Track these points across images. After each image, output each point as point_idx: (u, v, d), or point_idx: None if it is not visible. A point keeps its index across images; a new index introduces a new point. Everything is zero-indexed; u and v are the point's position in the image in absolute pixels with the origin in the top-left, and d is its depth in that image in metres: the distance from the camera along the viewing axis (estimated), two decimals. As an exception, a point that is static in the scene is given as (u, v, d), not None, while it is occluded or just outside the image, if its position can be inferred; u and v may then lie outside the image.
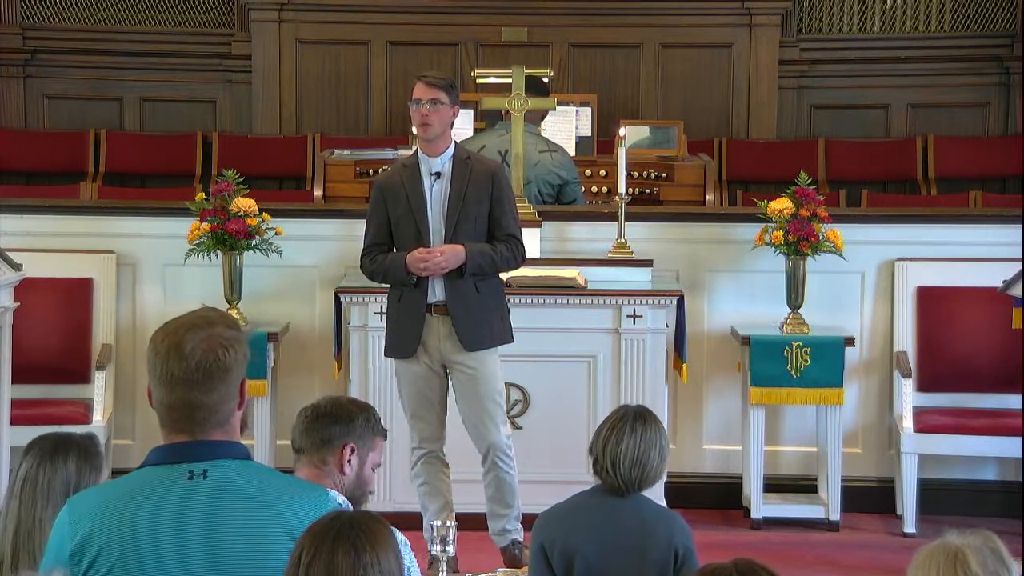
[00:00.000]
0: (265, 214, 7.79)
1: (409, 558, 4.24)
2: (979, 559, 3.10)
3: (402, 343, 6.72)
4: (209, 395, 3.32)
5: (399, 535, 4.16)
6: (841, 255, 7.74)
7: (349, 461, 4.47)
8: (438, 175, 6.67)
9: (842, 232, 7.75)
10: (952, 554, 3.10)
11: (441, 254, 6.56)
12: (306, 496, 3.39)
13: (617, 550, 4.66)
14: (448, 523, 4.97)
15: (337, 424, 4.50)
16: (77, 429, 6.95)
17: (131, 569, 3.25)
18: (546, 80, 8.63)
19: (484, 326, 6.69)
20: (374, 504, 7.38)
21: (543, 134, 8.90)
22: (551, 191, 8.37)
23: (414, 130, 7.94)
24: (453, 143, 6.78)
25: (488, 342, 6.69)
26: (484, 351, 6.68)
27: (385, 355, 6.92)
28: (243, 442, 3.46)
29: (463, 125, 8.91)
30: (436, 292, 6.65)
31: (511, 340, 6.79)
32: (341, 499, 4.34)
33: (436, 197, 6.66)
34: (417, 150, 6.79)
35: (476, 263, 6.62)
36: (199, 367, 3.30)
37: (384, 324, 7.01)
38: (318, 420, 4.50)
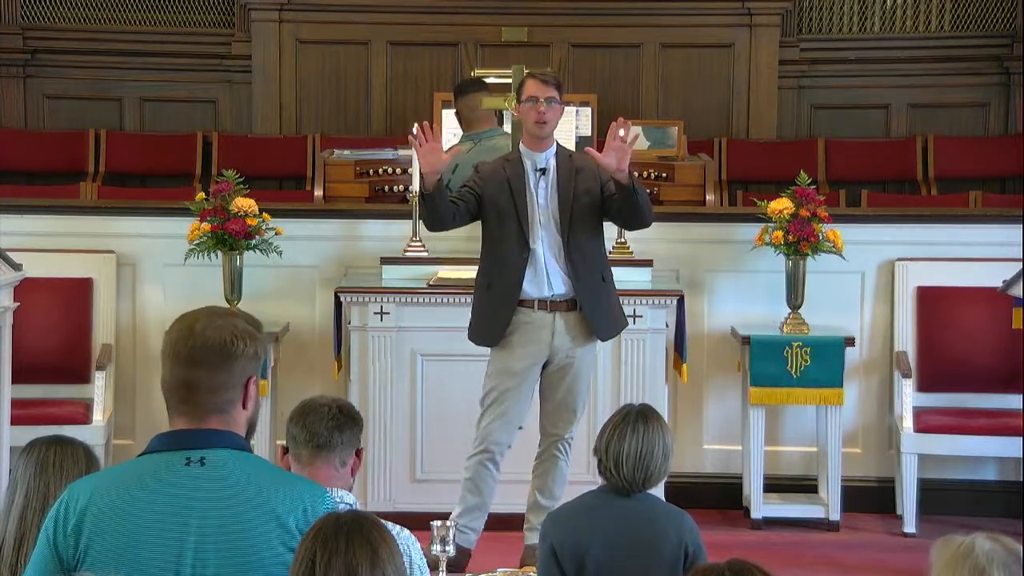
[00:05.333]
0: (265, 214, 7.80)
1: (418, 555, 4.24)
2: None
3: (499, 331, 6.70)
4: (209, 377, 3.34)
5: (407, 532, 4.18)
6: (841, 255, 7.75)
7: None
8: (543, 171, 6.66)
9: (842, 232, 7.76)
10: (980, 571, 3.06)
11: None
12: (302, 488, 3.40)
13: (628, 550, 4.66)
14: (448, 523, 4.97)
15: (357, 426, 4.51)
16: (77, 429, 7.07)
17: (127, 552, 3.27)
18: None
19: (611, 316, 6.75)
20: (374, 505, 7.41)
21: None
22: None
23: (414, 130, 7.95)
24: (555, 141, 6.76)
25: (614, 330, 6.80)
26: (589, 347, 6.73)
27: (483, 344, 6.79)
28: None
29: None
30: (554, 286, 6.65)
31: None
32: (351, 498, 4.35)
33: (543, 193, 6.65)
34: (518, 146, 6.76)
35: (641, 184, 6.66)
36: (204, 346, 3.34)
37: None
38: (347, 420, 4.48)
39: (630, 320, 7.46)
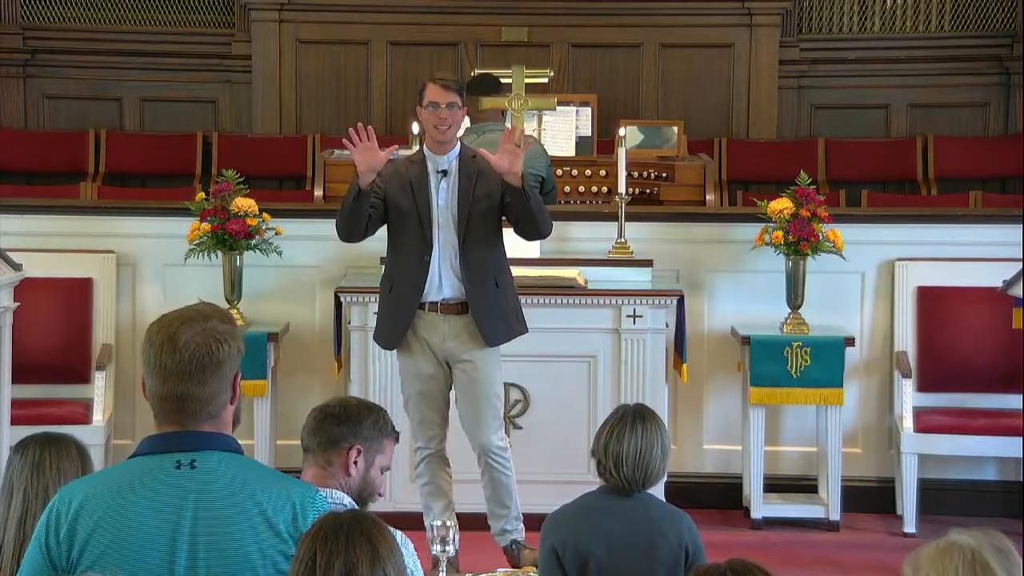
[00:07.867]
0: (265, 214, 7.80)
1: (412, 561, 4.23)
2: (999, 561, 3.07)
3: (395, 334, 6.72)
4: (201, 388, 3.36)
5: (402, 535, 4.17)
6: (841, 255, 7.75)
7: (355, 463, 4.46)
8: (445, 173, 6.66)
9: (842, 232, 7.76)
10: (969, 557, 3.06)
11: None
12: (291, 488, 3.41)
13: (628, 550, 4.67)
14: (448, 523, 4.97)
15: (343, 425, 4.49)
16: (77, 429, 7.06)
17: (120, 555, 3.29)
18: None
19: (502, 321, 6.69)
20: (374, 504, 7.40)
21: (544, 134, 8.89)
22: (534, 183, 8.35)
23: (414, 130, 7.96)
24: (459, 142, 6.77)
25: (504, 336, 6.69)
26: (487, 350, 6.66)
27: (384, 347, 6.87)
28: (242, 441, 3.47)
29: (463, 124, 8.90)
30: (444, 289, 6.65)
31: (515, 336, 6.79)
32: (348, 500, 4.35)
33: (443, 195, 6.64)
34: (423, 148, 6.78)
35: (533, 188, 6.57)
36: (192, 360, 3.34)
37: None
38: (325, 421, 4.49)
39: (629, 320, 7.48)
